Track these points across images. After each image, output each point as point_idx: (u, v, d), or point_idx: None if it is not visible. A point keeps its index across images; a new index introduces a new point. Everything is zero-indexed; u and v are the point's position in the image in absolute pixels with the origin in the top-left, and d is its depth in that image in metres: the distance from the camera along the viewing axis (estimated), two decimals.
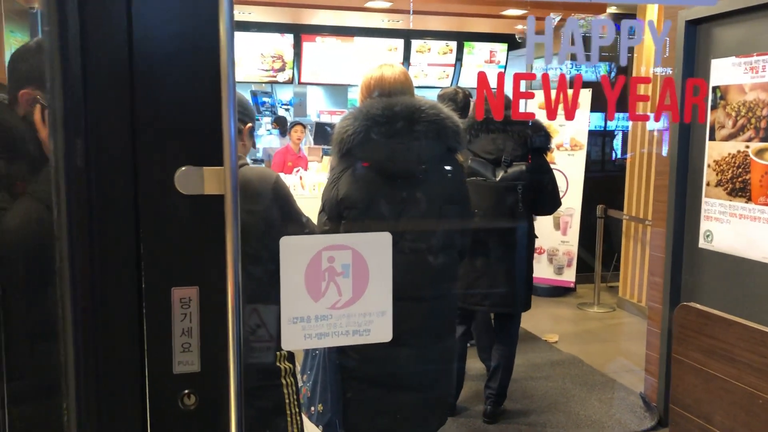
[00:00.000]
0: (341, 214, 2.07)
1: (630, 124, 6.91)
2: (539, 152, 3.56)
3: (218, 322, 0.86)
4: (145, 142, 0.82)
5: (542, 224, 6.19)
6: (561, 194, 6.04)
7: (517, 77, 1.12)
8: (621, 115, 7.27)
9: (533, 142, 3.50)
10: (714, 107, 3.25)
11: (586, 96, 5.92)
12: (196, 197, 0.84)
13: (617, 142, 7.46)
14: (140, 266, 0.84)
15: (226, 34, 0.76)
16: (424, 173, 2.14)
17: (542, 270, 6.20)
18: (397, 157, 2.06)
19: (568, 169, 6.18)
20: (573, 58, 1.41)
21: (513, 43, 7.99)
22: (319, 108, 9.51)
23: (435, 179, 2.18)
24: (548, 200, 3.65)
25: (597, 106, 6.08)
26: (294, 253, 0.93)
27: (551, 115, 1.16)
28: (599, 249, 6.03)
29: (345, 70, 7.75)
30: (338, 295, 0.96)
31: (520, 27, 7.44)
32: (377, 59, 7.51)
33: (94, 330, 0.81)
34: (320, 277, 0.95)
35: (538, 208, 3.67)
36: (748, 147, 3.09)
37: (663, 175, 3.68)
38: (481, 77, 1.10)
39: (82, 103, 0.77)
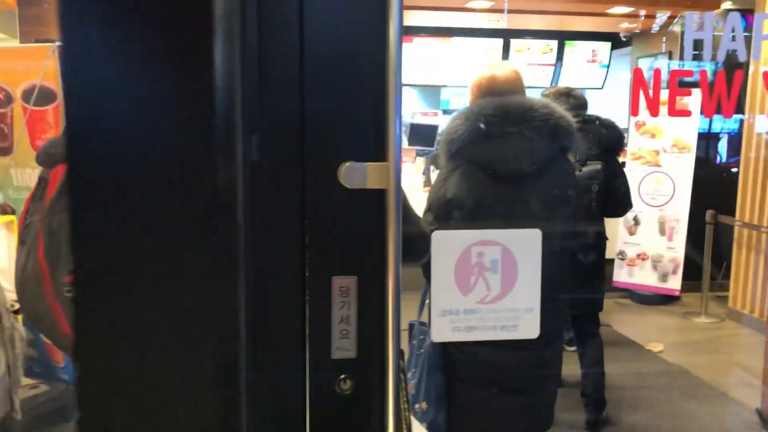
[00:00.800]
0: (449, 214, 2.07)
1: (739, 126, 6.58)
2: (613, 153, 3.48)
3: (375, 310, 0.90)
4: (313, 139, 0.86)
5: (646, 229, 5.99)
6: (668, 198, 5.89)
7: (674, 74, 1.10)
8: (727, 117, 6.94)
9: (607, 141, 3.43)
10: None
11: (694, 95, 5.67)
12: (358, 191, 0.88)
13: (722, 145, 7.12)
14: (304, 256, 0.89)
15: (395, 35, 0.79)
16: (537, 174, 2.11)
17: (645, 277, 6.00)
18: (508, 157, 2.05)
19: (674, 172, 5.94)
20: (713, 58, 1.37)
21: (616, 41, 7.76)
22: (412, 109, 9.56)
23: (547, 180, 2.14)
24: (620, 202, 3.57)
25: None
26: (445, 247, 0.96)
27: (708, 112, 1.13)
28: (708, 256, 5.76)
29: (440, 70, 7.75)
30: (487, 290, 0.98)
31: (625, 25, 7.22)
32: (475, 59, 7.48)
33: (263, 316, 0.86)
34: (469, 272, 0.97)
35: (609, 209, 3.58)
36: None
37: None
38: (638, 74, 1.09)
39: (259, 102, 0.82)
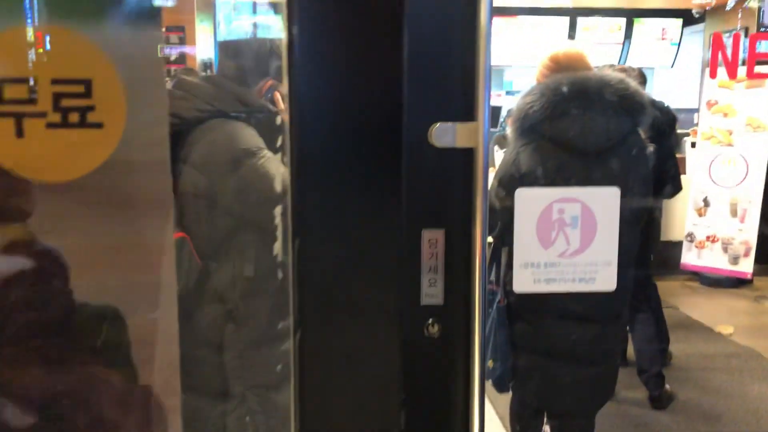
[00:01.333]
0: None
1: None
2: (665, 135, 3.44)
3: (461, 261, 0.97)
4: (408, 101, 0.94)
5: (717, 210, 5.85)
6: (741, 179, 5.73)
7: (754, 38, 1.12)
8: None
9: (660, 124, 3.39)
10: None
11: None
12: (448, 150, 0.94)
13: None
14: (399, 210, 0.96)
15: (486, 8, 0.85)
16: (611, 149, 2.13)
17: (715, 259, 5.86)
18: (585, 133, 2.07)
19: (748, 151, 5.76)
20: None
21: (688, 18, 7.53)
22: None
23: (622, 155, 2.15)
24: (672, 183, 3.57)
25: None
26: (528, 203, 1.02)
27: None
28: None
29: (504, 51, 7.69)
30: (566, 245, 1.04)
31: (697, 1, 7.00)
32: (541, 39, 7.39)
33: (363, 265, 0.94)
34: (551, 227, 1.03)
35: (660, 191, 3.56)
36: None
37: None
38: (717, 38, 1.11)
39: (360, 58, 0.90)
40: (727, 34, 6.98)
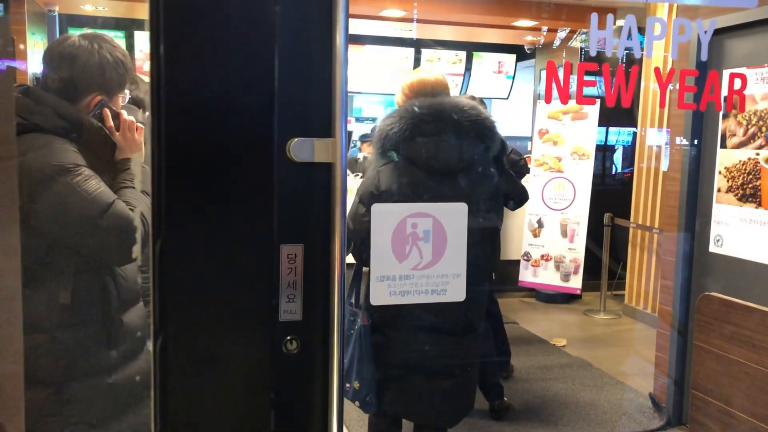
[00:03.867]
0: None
1: (633, 137, 7.06)
2: (497, 155, 3.76)
3: (320, 277, 0.97)
4: (266, 119, 0.93)
5: (549, 231, 6.32)
6: (569, 202, 6.24)
7: (582, 66, 1.24)
8: (622, 130, 7.43)
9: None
10: (725, 116, 3.38)
11: (594, 108, 6.05)
12: (306, 165, 0.95)
13: (617, 156, 7.61)
14: (255, 225, 0.95)
15: (341, 38, 0.88)
16: (463, 170, 2.26)
17: (549, 276, 6.32)
18: (439, 154, 2.19)
19: (575, 177, 6.30)
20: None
21: (521, 53, 8.14)
22: None
23: (472, 175, 2.29)
24: (514, 197, 3.93)
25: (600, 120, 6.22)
26: (383, 218, 1.05)
27: (610, 101, 1.28)
28: (606, 257, 6.15)
29: (354, 79, 7.87)
30: (420, 258, 1.08)
31: (529, 38, 7.59)
32: (388, 67, 7.65)
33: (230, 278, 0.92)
34: (405, 241, 1.06)
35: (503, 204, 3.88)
36: (758, 154, 3.21)
37: (674, 181, 3.80)
38: (551, 65, 1.22)
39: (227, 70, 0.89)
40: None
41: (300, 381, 0.99)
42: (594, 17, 1.29)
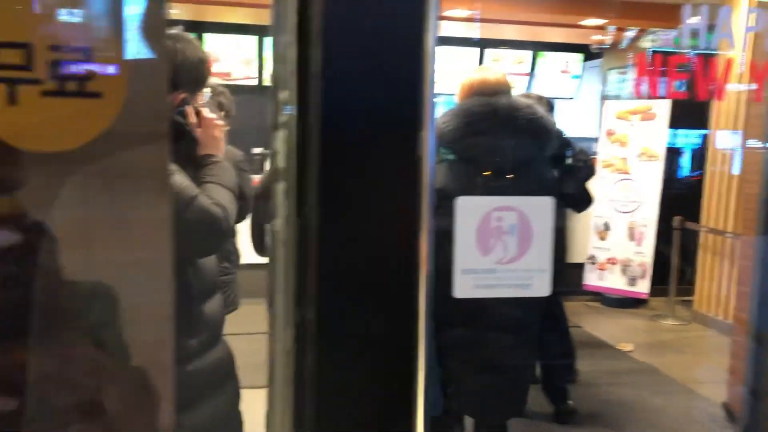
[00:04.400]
0: (437, 203, 2.19)
1: (703, 140, 6.83)
2: (561, 155, 3.72)
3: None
4: None
5: (616, 234, 6.18)
6: (636, 205, 6.09)
7: (674, 59, 1.20)
8: (690, 132, 7.20)
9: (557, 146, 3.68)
10: None
11: (664, 107, 5.88)
12: None
13: (685, 159, 7.38)
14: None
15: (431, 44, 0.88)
16: (519, 169, 2.26)
17: (615, 280, 6.18)
18: (495, 152, 2.20)
19: (643, 178, 6.13)
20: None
21: (588, 53, 7.99)
22: None
23: (528, 175, 2.28)
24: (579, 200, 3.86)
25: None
26: (468, 212, 1.05)
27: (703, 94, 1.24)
28: (675, 261, 5.97)
29: None
30: (504, 252, 1.08)
31: (596, 37, 7.45)
32: (452, 68, 7.62)
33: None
34: (489, 235, 1.06)
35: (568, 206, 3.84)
36: None
37: (751, 183, 3.67)
38: (641, 57, 1.19)
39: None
40: (622, 69, 7.45)
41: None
42: (687, 9, 1.25)
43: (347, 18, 0.67)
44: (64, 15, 0.60)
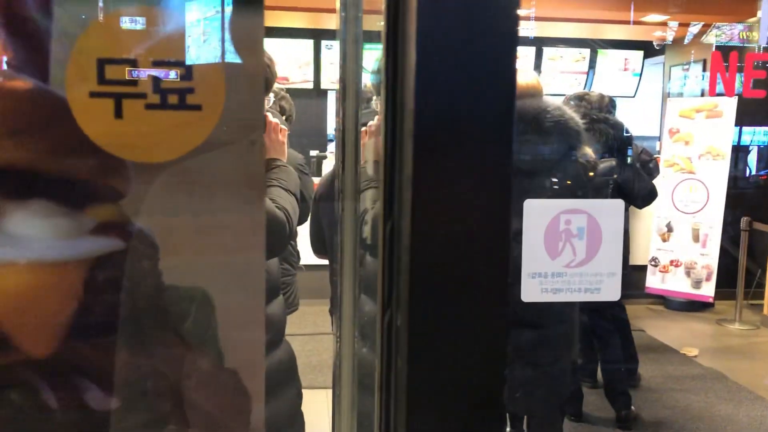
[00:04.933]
0: None
1: None
2: (622, 149, 3.65)
3: None
4: None
5: (679, 235, 6.00)
6: (702, 205, 5.90)
7: (750, 57, 1.17)
8: (757, 129, 6.91)
9: (614, 140, 3.61)
10: None
11: (731, 104, 5.68)
12: None
13: (752, 158, 7.09)
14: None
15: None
16: (548, 169, 2.30)
17: (678, 283, 6.00)
18: (526, 153, 2.23)
19: (708, 179, 5.94)
20: None
21: (649, 50, 7.80)
22: None
23: (559, 174, 2.33)
24: (638, 192, 3.76)
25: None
26: (535, 214, 1.04)
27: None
28: (742, 263, 5.76)
29: None
30: (573, 255, 1.06)
31: (658, 33, 7.26)
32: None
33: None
34: (558, 238, 1.05)
35: (629, 200, 3.77)
36: None
37: None
38: (716, 56, 1.16)
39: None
40: (686, 66, 7.24)
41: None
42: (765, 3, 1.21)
43: (439, 24, 0.68)
44: (163, 29, 0.63)
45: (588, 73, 7.90)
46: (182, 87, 0.62)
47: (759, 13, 5.57)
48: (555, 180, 2.30)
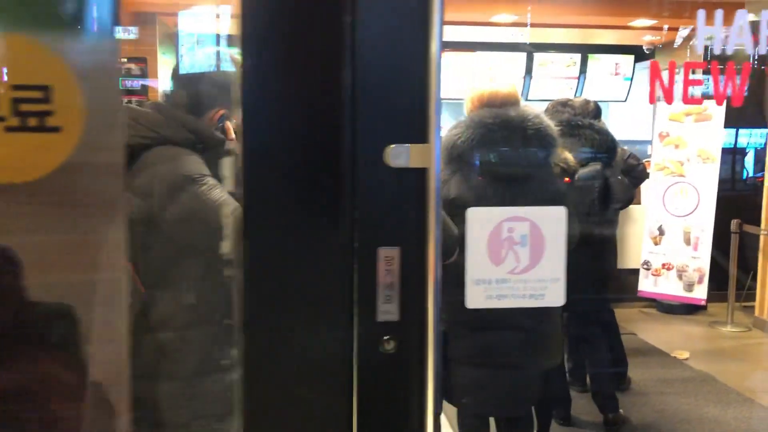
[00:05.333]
0: (452, 212, 2.24)
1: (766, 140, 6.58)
2: (608, 155, 3.65)
3: (416, 278, 1.00)
4: (366, 124, 0.98)
5: (671, 239, 6.01)
6: (693, 208, 5.91)
7: (688, 65, 1.20)
8: (754, 131, 6.91)
9: (599, 145, 3.62)
10: None
11: (719, 107, 5.70)
12: (402, 170, 0.99)
13: (749, 160, 7.10)
14: (354, 228, 1.00)
15: (436, 45, 0.91)
16: (528, 176, 2.35)
17: (670, 286, 6.01)
18: (506, 161, 2.31)
19: (699, 182, 5.95)
20: None
21: (639, 54, 7.82)
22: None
23: (537, 181, 2.37)
24: (619, 193, 3.77)
25: (727, 122, 5.84)
26: (479, 222, 1.06)
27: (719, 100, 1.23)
28: (734, 266, 5.77)
29: (465, 85, 7.83)
30: (516, 262, 1.08)
31: (648, 38, 7.29)
32: (499, 73, 7.57)
33: (315, 282, 0.97)
34: (501, 245, 1.07)
35: (608, 201, 3.76)
36: None
37: None
38: (654, 66, 1.19)
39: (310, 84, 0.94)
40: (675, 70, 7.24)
41: (397, 380, 1.02)
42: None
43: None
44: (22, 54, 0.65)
45: (579, 78, 7.92)
46: (41, 110, 0.64)
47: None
48: (538, 185, 2.34)
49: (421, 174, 0.99)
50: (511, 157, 2.28)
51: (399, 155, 0.97)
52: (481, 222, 1.07)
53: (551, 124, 2.34)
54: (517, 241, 1.07)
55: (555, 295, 1.09)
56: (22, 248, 0.65)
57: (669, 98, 1.29)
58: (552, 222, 1.07)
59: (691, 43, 6.34)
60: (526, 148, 2.27)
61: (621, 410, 3.76)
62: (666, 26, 6.74)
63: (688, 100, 1.37)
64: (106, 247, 0.70)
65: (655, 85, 1.31)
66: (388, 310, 1.00)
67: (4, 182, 0.66)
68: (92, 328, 0.68)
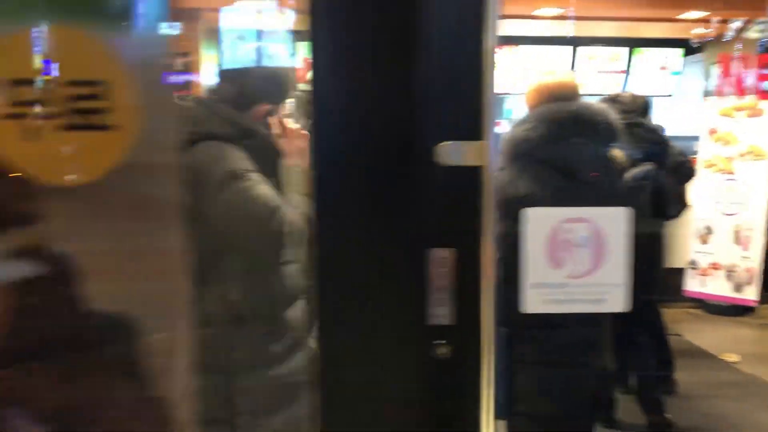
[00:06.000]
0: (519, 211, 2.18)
1: None
2: (659, 154, 3.52)
3: (470, 281, 0.96)
4: (422, 122, 0.94)
5: (719, 238, 5.84)
6: (744, 206, 5.72)
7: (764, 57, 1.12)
8: None
9: (651, 144, 3.49)
10: None
11: None
12: (456, 169, 0.95)
13: None
14: (405, 228, 0.97)
15: (491, 27, 0.87)
16: (598, 171, 2.24)
17: (719, 286, 5.84)
18: (576, 157, 2.18)
19: (749, 179, 5.76)
20: None
21: (688, 48, 7.60)
22: None
23: (607, 177, 2.27)
24: (672, 200, 3.66)
25: None
26: (537, 223, 1.02)
27: None
28: None
29: (506, 80, 7.72)
30: (576, 265, 1.03)
31: (697, 31, 7.07)
32: (543, 67, 7.43)
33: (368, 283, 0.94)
34: (560, 248, 1.02)
35: (661, 208, 3.61)
36: None
37: None
38: (724, 57, 1.11)
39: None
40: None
41: (451, 384, 0.98)
42: None
43: None
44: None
45: (625, 73, 7.74)
46: (97, 107, 0.61)
47: None
48: (608, 183, 2.24)
49: (475, 172, 0.95)
50: (584, 153, 2.18)
51: (453, 153, 0.94)
52: (540, 222, 1.02)
53: (617, 119, 2.25)
54: (578, 244, 1.02)
55: (616, 301, 1.04)
56: (77, 253, 0.63)
57: (740, 91, 1.21)
58: (614, 223, 1.02)
59: (743, 35, 6.11)
60: (597, 143, 2.18)
61: (667, 414, 3.66)
62: (716, 19, 6.54)
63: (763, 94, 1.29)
64: (165, 252, 0.67)
65: (725, 78, 1.24)
66: (440, 314, 0.97)
67: (60, 183, 0.64)
68: (153, 340, 0.66)
